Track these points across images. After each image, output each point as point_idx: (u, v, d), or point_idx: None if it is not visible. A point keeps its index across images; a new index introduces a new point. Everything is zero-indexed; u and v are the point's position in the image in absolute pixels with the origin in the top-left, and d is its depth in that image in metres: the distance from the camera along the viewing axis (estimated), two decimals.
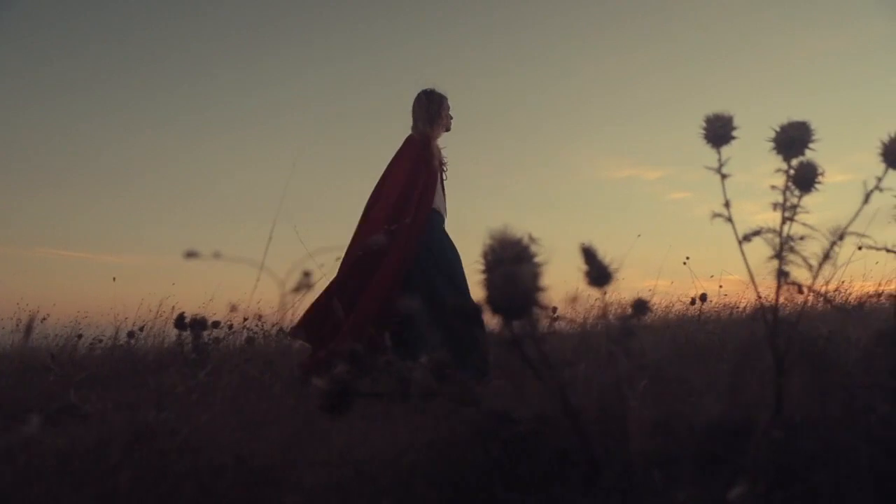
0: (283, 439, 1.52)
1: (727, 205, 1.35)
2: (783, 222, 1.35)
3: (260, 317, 5.06)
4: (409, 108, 4.11)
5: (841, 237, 1.30)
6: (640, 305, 1.57)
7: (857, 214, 1.31)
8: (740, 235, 1.33)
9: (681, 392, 1.49)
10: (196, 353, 3.49)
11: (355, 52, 11.65)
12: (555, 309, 2.38)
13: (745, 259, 1.33)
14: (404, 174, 3.89)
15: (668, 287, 7.45)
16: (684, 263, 4.81)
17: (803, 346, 1.29)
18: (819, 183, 1.46)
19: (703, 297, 4.59)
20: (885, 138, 1.33)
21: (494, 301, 1.01)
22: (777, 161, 1.42)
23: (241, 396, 1.83)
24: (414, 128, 4.06)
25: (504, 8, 11.38)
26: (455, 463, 1.21)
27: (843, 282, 3.66)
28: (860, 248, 1.51)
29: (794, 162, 1.44)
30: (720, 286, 5.23)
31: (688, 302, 4.85)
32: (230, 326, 4.88)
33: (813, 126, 1.42)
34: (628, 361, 1.47)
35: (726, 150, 1.42)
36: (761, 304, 1.31)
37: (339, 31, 11.45)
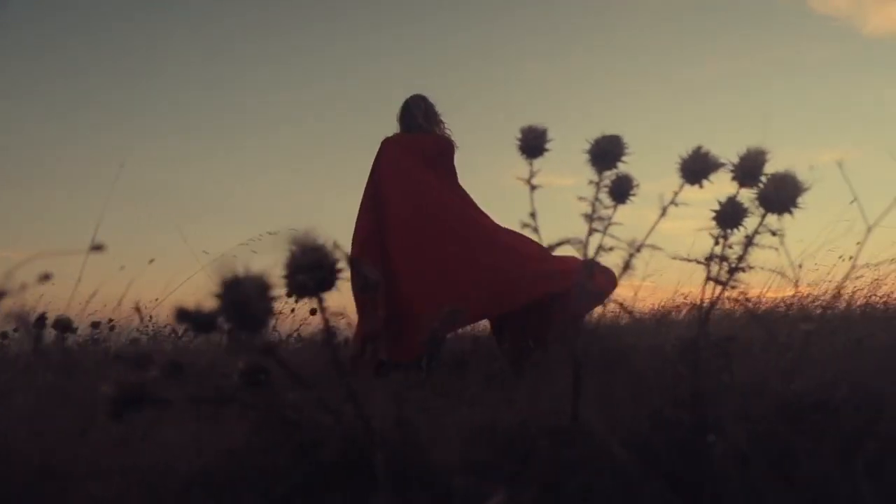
0: (92, 447, 1.46)
1: (533, 215, 1.38)
2: (589, 233, 1.38)
3: (151, 316, 4.90)
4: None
5: (638, 249, 1.35)
6: (455, 314, 1.58)
7: (652, 228, 1.35)
8: (545, 245, 1.36)
9: (492, 399, 1.51)
10: (62, 356, 3.35)
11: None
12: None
13: None
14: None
15: None
16: None
17: (604, 354, 1.32)
18: (633, 195, 1.51)
19: None
20: (685, 154, 1.38)
21: (224, 312, 0.99)
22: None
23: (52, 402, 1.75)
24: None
25: (423, 14, 11.42)
26: (240, 471, 1.18)
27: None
28: (674, 258, 1.57)
29: (611, 174, 1.49)
30: None
31: None
32: (112, 328, 4.71)
33: (625, 140, 1.46)
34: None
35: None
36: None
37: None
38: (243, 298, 0.95)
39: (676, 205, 1.38)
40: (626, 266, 1.35)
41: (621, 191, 1.51)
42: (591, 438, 1.15)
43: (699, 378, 1.37)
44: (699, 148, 1.39)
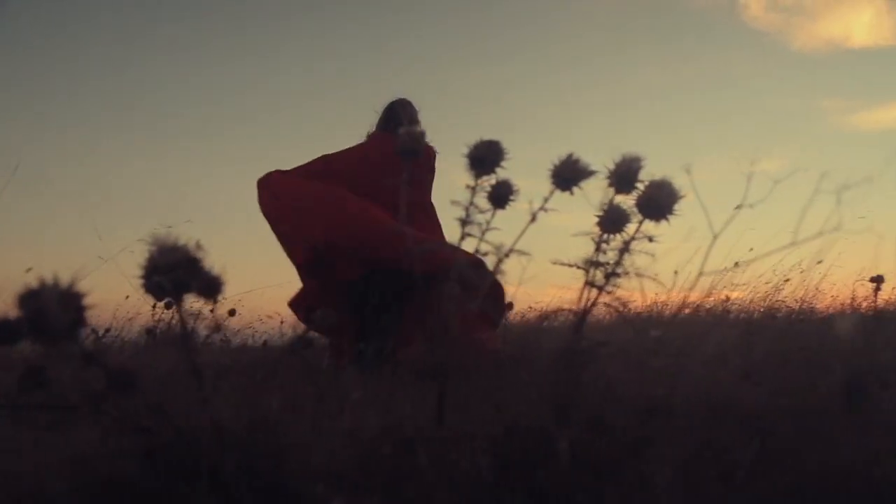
0: None
1: (465, 221, 1.37)
2: (462, 238, 1.38)
3: None
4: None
5: (507, 255, 1.35)
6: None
7: (522, 233, 1.36)
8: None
9: (373, 403, 1.49)
10: None
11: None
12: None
13: None
14: None
15: None
16: None
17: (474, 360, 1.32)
18: (513, 200, 1.52)
19: None
20: (556, 161, 1.39)
21: (23, 322, 0.95)
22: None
23: None
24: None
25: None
26: (83, 479, 1.14)
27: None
28: (554, 263, 1.58)
29: (491, 180, 1.49)
30: None
31: None
32: None
33: (504, 146, 1.46)
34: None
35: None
36: None
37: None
38: (41, 309, 0.91)
39: (546, 210, 1.39)
40: (496, 271, 1.35)
41: (500, 196, 1.51)
42: (444, 444, 1.14)
43: (568, 382, 1.38)
44: (570, 155, 1.40)
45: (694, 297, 3.61)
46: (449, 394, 1.34)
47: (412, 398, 1.48)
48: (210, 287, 1.13)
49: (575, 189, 1.41)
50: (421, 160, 3.63)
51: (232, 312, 4.20)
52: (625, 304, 1.52)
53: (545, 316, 1.92)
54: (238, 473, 1.11)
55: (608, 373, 1.44)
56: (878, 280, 3.76)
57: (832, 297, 4.23)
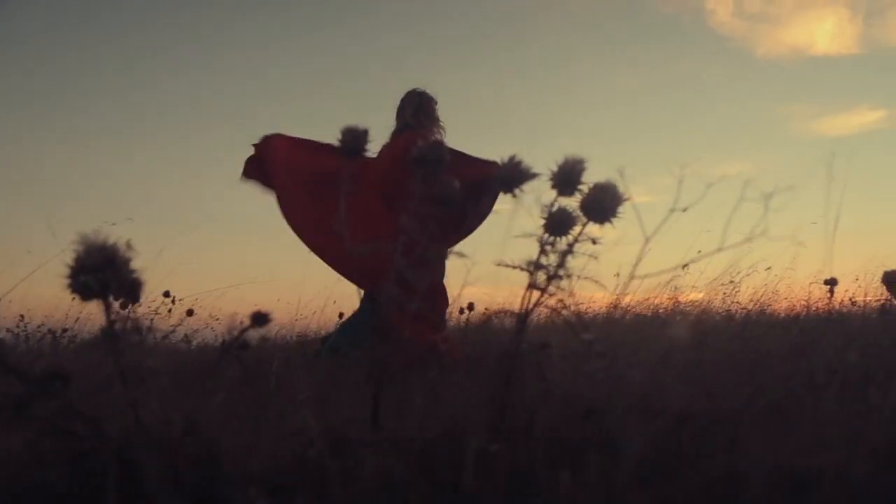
0: None
1: (342, 219, 1.35)
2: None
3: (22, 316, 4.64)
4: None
5: (447, 256, 1.34)
6: (259, 317, 1.54)
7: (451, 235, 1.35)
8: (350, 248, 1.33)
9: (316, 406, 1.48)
10: None
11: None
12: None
13: None
14: None
15: None
16: None
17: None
18: (454, 201, 1.51)
19: None
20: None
21: None
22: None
23: None
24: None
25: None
26: (11, 485, 1.11)
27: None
28: (498, 265, 1.58)
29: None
30: None
31: None
32: None
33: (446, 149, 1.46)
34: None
35: None
36: None
37: None
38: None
39: (495, 212, 1.39)
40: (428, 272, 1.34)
41: (446, 198, 1.51)
42: (376, 448, 1.13)
43: (508, 385, 1.38)
44: (513, 157, 1.40)
45: (637, 299, 3.64)
46: (391, 396, 1.33)
47: (360, 401, 1.47)
48: (130, 288, 1.10)
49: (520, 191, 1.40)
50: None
51: (190, 312, 4.15)
52: (567, 307, 1.52)
53: (488, 318, 1.91)
54: (164, 479, 1.09)
55: (550, 375, 1.44)
56: (831, 283, 3.84)
57: (786, 299, 4.30)
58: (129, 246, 1.22)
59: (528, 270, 1.52)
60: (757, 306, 4.04)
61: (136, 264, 1.19)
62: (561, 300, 1.54)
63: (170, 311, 4.09)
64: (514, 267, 1.54)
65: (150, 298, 4.10)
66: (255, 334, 1.47)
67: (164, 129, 11.06)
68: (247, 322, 1.35)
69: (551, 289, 1.50)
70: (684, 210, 1.39)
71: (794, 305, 4.36)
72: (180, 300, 4.12)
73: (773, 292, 4.23)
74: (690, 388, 1.32)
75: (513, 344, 1.46)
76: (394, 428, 1.28)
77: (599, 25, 11.01)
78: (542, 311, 1.49)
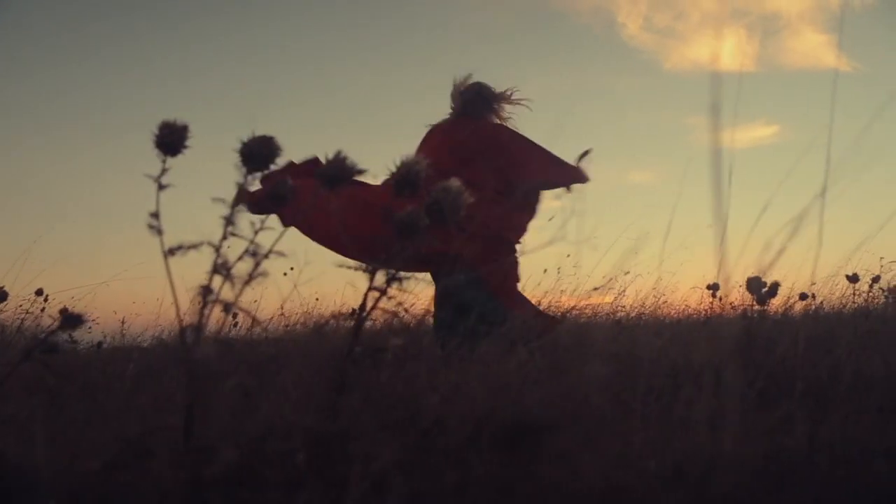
0: None
1: (156, 215, 1.27)
2: (224, 237, 1.30)
3: None
4: None
5: (266, 256, 1.28)
6: (70, 319, 1.45)
7: (281, 236, 1.30)
8: (166, 248, 1.26)
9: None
10: None
11: None
12: None
13: (169, 275, 1.26)
14: None
15: None
16: None
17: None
18: (287, 199, 1.45)
19: None
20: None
21: None
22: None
23: None
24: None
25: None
26: None
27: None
28: (339, 267, 1.53)
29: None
30: None
31: None
32: None
33: (279, 142, 1.39)
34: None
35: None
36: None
37: None
38: None
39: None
40: (251, 277, 1.28)
41: (278, 195, 1.45)
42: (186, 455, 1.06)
43: (341, 390, 1.33)
44: (338, 153, 1.35)
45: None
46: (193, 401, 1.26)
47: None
48: None
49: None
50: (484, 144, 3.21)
51: (64, 311, 3.93)
52: (405, 309, 1.48)
53: (324, 322, 1.86)
54: None
55: (380, 380, 1.40)
56: (713, 287, 3.96)
57: (666, 302, 4.41)
58: None
59: (367, 272, 1.48)
60: (641, 311, 4.13)
61: None
62: (401, 303, 1.50)
63: (42, 310, 3.86)
64: (356, 269, 1.49)
65: (20, 297, 3.86)
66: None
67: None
68: (56, 324, 1.26)
69: (391, 291, 1.47)
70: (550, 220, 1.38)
71: (681, 310, 4.49)
72: (53, 298, 3.89)
73: (660, 296, 4.33)
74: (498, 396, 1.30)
75: (348, 346, 1.41)
76: (206, 437, 1.21)
77: (513, 35, 11.14)
78: (378, 315, 1.44)
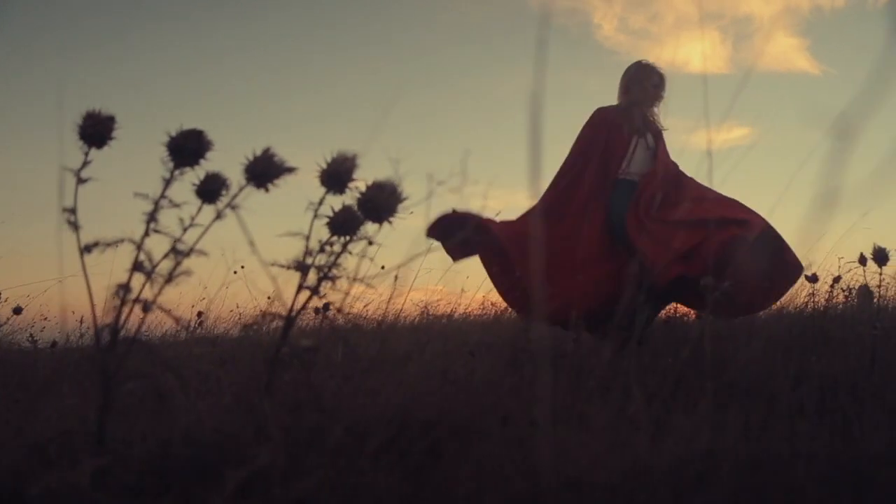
0: None
1: (73, 210, 1.24)
2: (146, 234, 1.27)
3: None
4: None
5: (187, 254, 1.26)
6: None
7: (203, 234, 1.27)
8: (83, 244, 1.22)
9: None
10: None
11: None
12: None
13: (85, 273, 1.23)
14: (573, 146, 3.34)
15: None
16: None
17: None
18: (223, 195, 1.42)
19: None
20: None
21: None
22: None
23: None
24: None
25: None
26: None
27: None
28: (272, 265, 1.50)
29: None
30: None
31: None
32: None
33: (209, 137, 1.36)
34: None
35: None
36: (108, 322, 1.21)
37: None
38: None
39: (233, 208, 1.31)
40: (170, 277, 1.25)
41: (210, 190, 1.41)
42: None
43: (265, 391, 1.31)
44: (267, 150, 1.32)
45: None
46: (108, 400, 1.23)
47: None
48: None
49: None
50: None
51: (18, 311, 3.85)
52: (340, 310, 1.46)
53: (254, 322, 1.83)
54: None
55: (312, 380, 1.38)
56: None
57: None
58: None
59: (298, 270, 1.45)
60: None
61: None
62: (332, 302, 1.48)
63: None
64: (287, 267, 1.47)
65: None
66: None
67: None
68: None
69: (322, 290, 1.44)
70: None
71: None
72: (5, 300, 3.82)
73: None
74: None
75: (276, 347, 1.38)
76: (121, 440, 1.18)
77: (489, 34, 11.14)
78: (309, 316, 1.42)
